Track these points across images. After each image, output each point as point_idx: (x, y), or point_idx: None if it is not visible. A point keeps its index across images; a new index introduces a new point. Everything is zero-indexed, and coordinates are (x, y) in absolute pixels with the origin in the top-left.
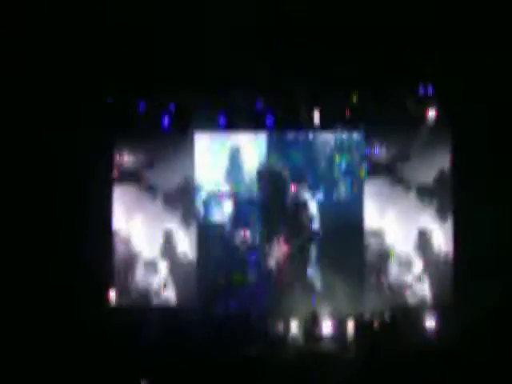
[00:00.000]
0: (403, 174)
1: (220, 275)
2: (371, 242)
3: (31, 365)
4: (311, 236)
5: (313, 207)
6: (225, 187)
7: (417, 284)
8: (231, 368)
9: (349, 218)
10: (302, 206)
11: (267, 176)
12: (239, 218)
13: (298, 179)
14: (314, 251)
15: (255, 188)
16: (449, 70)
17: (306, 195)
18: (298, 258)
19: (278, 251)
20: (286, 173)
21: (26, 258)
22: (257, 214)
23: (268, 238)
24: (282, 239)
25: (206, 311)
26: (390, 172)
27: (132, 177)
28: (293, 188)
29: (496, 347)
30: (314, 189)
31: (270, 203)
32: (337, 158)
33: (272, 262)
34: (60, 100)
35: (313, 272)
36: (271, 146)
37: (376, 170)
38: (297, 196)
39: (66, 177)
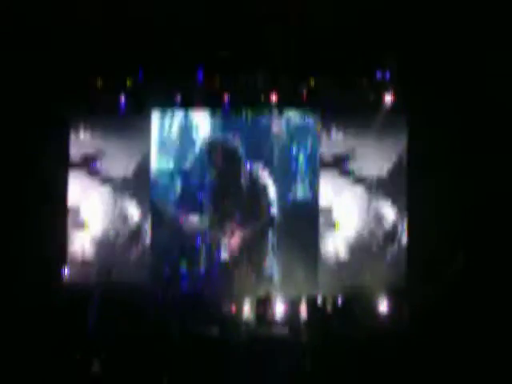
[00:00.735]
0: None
1: (170, 260)
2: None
3: None
4: (269, 221)
5: (271, 190)
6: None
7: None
8: (183, 348)
9: (304, 204)
10: (262, 187)
11: (220, 150)
12: (188, 199)
13: (254, 158)
14: (270, 238)
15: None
16: (406, 55)
17: (263, 176)
18: (253, 245)
19: (231, 238)
20: (241, 149)
21: None
22: (207, 195)
23: (219, 222)
24: (235, 225)
25: (158, 291)
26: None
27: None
28: (248, 166)
29: (447, 332)
30: (271, 169)
31: (222, 182)
32: (293, 143)
33: (224, 251)
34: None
35: (269, 261)
36: (226, 125)
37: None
38: (253, 176)
39: (20, 154)
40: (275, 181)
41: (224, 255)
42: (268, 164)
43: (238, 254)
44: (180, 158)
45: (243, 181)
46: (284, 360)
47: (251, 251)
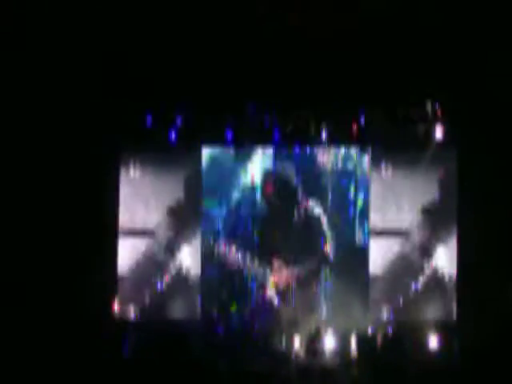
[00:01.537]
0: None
1: (219, 296)
2: None
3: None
4: (323, 260)
5: (325, 226)
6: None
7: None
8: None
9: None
10: (316, 221)
11: (274, 181)
12: (237, 234)
13: (309, 192)
14: (323, 278)
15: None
16: (456, 89)
17: (318, 211)
18: (304, 283)
19: (281, 275)
20: (296, 181)
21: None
22: (257, 229)
23: (269, 258)
24: (285, 261)
25: (208, 326)
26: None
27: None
28: (303, 201)
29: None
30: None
31: (274, 216)
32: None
33: (272, 288)
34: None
35: (320, 303)
36: (279, 160)
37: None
38: (307, 210)
39: (74, 188)
40: (329, 219)
41: (272, 292)
42: (323, 201)
43: (288, 291)
44: (230, 192)
45: (296, 216)
46: None
47: (302, 288)
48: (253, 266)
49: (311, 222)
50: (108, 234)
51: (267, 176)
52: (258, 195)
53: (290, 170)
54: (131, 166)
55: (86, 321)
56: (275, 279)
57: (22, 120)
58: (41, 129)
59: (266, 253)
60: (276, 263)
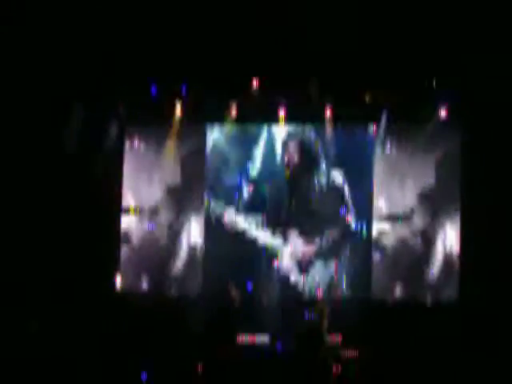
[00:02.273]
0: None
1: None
2: None
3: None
4: (344, 230)
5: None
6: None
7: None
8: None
9: None
10: (340, 189)
11: (297, 144)
12: (251, 202)
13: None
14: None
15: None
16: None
17: (340, 179)
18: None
19: (299, 247)
20: (318, 147)
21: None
22: (275, 198)
23: (285, 229)
24: (302, 232)
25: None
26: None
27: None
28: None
29: None
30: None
31: (294, 183)
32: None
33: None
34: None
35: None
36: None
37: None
38: (329, 177)
39: (77, 163)
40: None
41: (286, 265)
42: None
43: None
44: (247, 162)
45: (317, 185)
46: None
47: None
48: (268, 236)
49: (333, 191)
50: (112, 209)
51: (289, 143)
52: (278, 162)
53: (312, 139)
54: (135, 140)
55: (88, 295)
56: (292, 250)
57: (24, 97)
58: (44, 105)
59: (281, 223)
60: (294, 234)
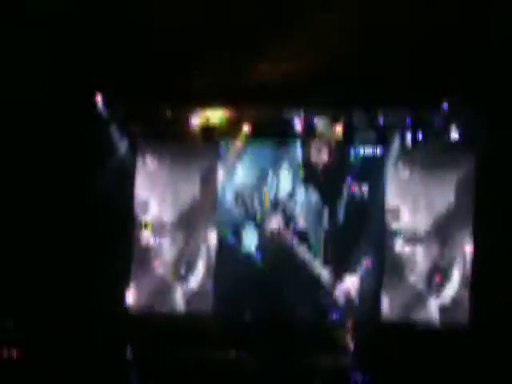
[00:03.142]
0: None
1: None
2: None
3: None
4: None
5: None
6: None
7: None
8: None
9: None
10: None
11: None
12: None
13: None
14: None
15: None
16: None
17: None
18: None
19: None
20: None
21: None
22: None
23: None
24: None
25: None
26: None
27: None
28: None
29: None
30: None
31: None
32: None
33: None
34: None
35: None
36: None
37: None
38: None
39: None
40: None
41: None
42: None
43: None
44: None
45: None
46: None
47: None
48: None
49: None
50: (124, 225)
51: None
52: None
53: None
54: (148, 156)
55: (99, 311)
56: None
57: (34, 109)
58: (57, 116)
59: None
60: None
